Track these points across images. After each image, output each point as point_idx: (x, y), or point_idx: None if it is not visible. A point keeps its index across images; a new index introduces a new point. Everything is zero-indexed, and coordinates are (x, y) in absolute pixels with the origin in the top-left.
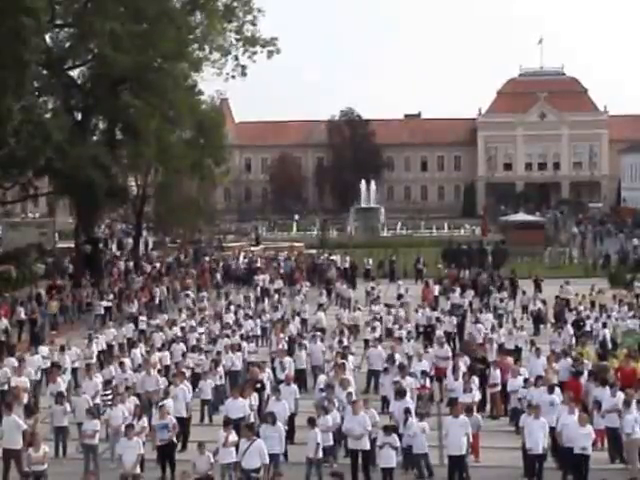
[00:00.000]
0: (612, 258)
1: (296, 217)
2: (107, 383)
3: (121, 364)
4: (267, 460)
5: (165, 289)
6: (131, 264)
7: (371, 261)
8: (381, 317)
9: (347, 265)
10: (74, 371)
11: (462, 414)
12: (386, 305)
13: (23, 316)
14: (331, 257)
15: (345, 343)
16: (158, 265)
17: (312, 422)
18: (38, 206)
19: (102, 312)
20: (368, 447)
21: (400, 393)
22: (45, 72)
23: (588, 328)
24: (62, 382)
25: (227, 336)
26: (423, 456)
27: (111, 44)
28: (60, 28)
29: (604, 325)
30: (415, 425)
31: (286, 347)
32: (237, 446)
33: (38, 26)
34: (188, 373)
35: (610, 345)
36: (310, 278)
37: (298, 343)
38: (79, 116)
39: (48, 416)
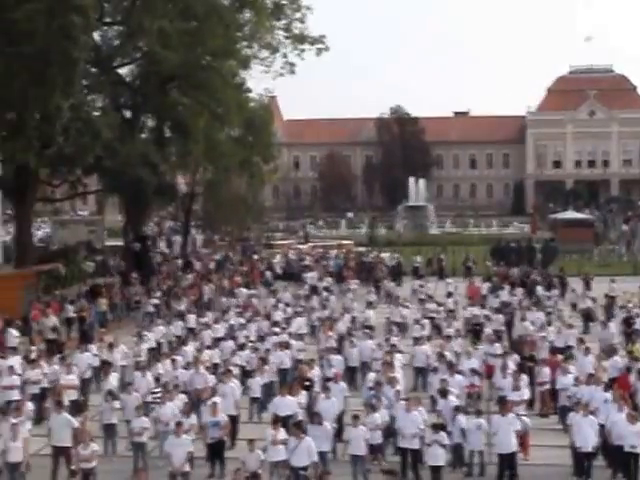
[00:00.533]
0: None
1: (349, 215)
2: (156, 381)
3: (173, 361)
4: (316, 458)
5: (214, 287)
6: (180, 262)
7: (420, 259)
8: (430, 315)
9: (394, 263)
10: (122, 369)
11: (511, 412)
12: (435, 303)
13: (72, 314)
14: (380, 255)
15: (393, 341)
16: (207, 263)
17: (357, 419)
18: (87, 204)
19: (151, 310)
20: (418, 445)
21: (443, 392)
22: (94, 70)
23: (638, 326)
24: (114, 380)
25: (276, 334)
26: (479, 453)
27: (160, 42)
28: (109, 26)
29: None
30: (472, 422)
31: (335, 345)
32: (286, 444)
33: (87, 24)
34: (237, 371)
35: None
36: (359, 276)
37: (349, 341)
38: (128, 114)
39: (97, 414)
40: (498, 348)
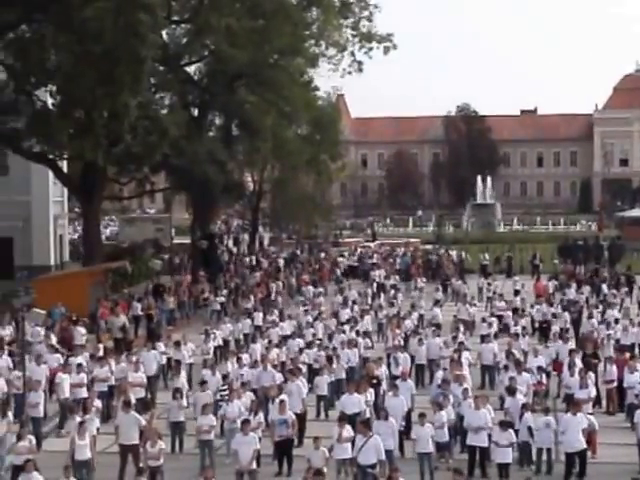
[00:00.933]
0: None
1: (419, 213)
2: (223, 378)
3: (238, 359)
4: (383, 456)
5: (281, 285)
6: (247, 260)
7: (487, 256)
8: (498, 313)
9: (458, 261)
10: (190, 367)
11: (580, 411)
12: (503, 301)
13: (140, 312)
14: (448, 252)
15: (461, 339)
16: (274, 261)
17: (423, 417)
18: (155, 202)
19: (218, 308)
20: (487, 443)
21: (511, 390)
22: (162, 68)
23: None
24: (183, 378)
25: (343, 332)
26: (547, 451)
27: (227, 40)
28: (176, 24)
29: None
30: (540, 420)
31: (402, 343)
32: (352, 442)
33: (155, 22)
34: (304, 369)
35: None
36: (426, 274)
37: (418, 339)
38: (195, 112)
39: (165, 412)
40: (565, 346)
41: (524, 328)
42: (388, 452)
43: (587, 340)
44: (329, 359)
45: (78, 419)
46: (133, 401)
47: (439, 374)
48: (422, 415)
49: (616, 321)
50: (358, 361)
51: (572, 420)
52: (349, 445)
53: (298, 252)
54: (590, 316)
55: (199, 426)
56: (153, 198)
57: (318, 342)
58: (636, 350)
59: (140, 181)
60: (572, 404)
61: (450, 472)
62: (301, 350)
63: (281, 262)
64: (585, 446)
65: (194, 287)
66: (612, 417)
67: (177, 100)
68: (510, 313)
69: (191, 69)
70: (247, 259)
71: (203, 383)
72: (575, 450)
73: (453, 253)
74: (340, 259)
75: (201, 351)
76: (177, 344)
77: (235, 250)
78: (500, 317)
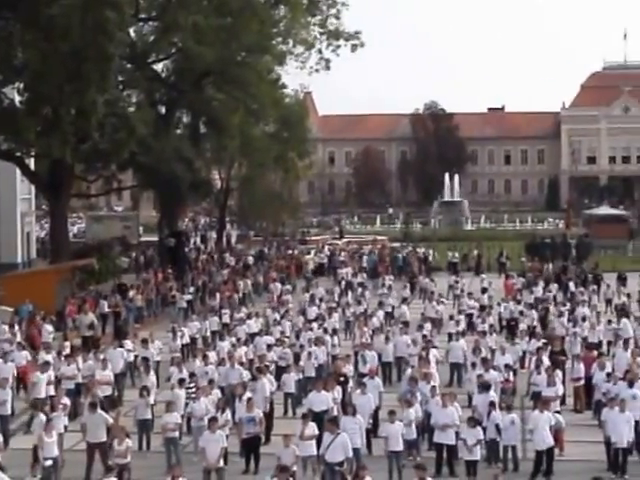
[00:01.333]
0: None
1: (390, 211)
2: (191, 376)
3: (204, 357)
4: (351, 453)
5: (249, 282)
6: (214, 257)
7: (457, 254)
8: (467, 312)
9: (423, 258)
10: (157, 364)
11: (548, 409)
12: (471, 299)
13: (107, 309)
14: (416, 250)
15: (428, 336)
16: (242, 258)
17: (393, 415)
18: (122, 199)
19: (185, 305)
20: (454, 441)
21: (484, 386)
22: (129, 66)
23: None
24: (152, 376)
25: (311, 329)
26: (512, 448)
27: (195, 38)
28: (144, 22)
29: None
30: (506, 417)
31: (369, 340)
32: (319, 439)
33: (122, 20)
34: (272, 367)
35: None
36: (393, 271)
37: (385, 337)
38: (163, 110)
39: (132, 409)
40: (532, 344)
41: (491, 326)
42: (356, 450)
43: (555, 338)
44: (297, 357)
45: (44, 417)
46: (100, 398)
47: (408, 372)
48: (392, 413)
49: (583, 319)
50: (326, 359)
51: (540, 418)
52: (313, 442)
53: (266, 250)
54: (560, 314)
55: (164, 424)
56: (120, 196)
57: (286, 339)
58: (604, 348)
59: (107, 179)
60: (539, 402)
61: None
62: (269, 347)
63: (250, 260)
64: (552, 444)
65: (162, 285)
66: (579, 415)
67: (144, 98)
68: (477, 311)
69: (159, 67)
70: (214, 257)
71: (182, 381)
72: (543, 447)
73: (420, 251)
74: (307, 257)
75: (169, 349)
76: (144, 342)
77: (202, 248)
78: (470, 315)
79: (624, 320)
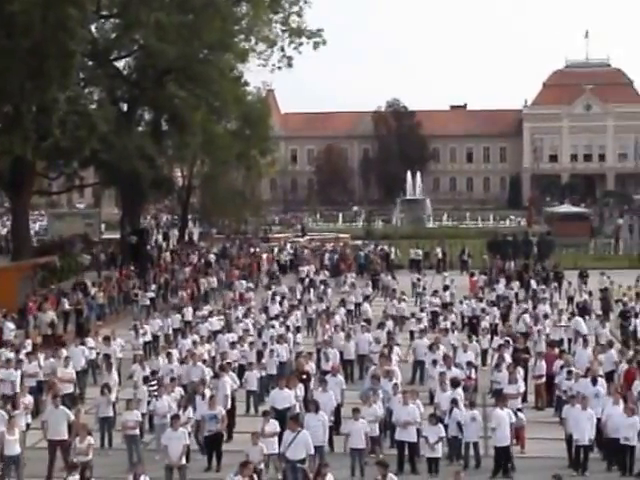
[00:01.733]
0: None
1: (354, 208)
2: (153, 374)
3: (168, 355)
4: (312, 451)
5: (211, 280)
6: (177, 255)
7: (420, 252)
8: (431, 309)
9: (383, 255)
10: (119, 362)
11: (508, 406)
12: (432, 296)
13: (67, 307)
14: (378, 248)
15: (391, 334)
16: (204, 256)
17: (357, 412)
18: (84, 197)
19: (147, 303)
20: (415, 438)
21: (454, 383)
22: (91, 63)
23: (633, 321)
24: (115, 374)
25: (273, 327)
26: (474, 445)
27: (156, 35)
28: (106, 19)
29: (636, 315)
30: (467, 414)
31: (331, 338)
32: (280, 436)
33: (84, 17)
34: (234, 364)
35: None
36: (355, 269)
37: (347, 334)
38: (125, 107)
39: (94, 407)
40: (495, 341)
41: (453, 323)
42: (319, 447)
43: (518, 336)
44: (259, 354)
45: (6, 414)
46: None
47: (372, 370)
48: (356, 410)
49: (545, 316)
50: (288, 356)
51: (500, 414)
52: (275, 440)
53: (228, 247)
54: (525, 311)
55: (124, 422)
56: (82, 193)
57: (249, 337)
58: (565, 345)
59: (69, 176)
60: (499, 399)
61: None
62: (232, 345)
63: (212, 257)
64: (509, 442)
65: (124, 282)
66: (541, 412)
67: (106, 95)
68: (439, 308)
69: (120, 64)
70: (177, 254)
71: (146, 379)
72: (503, 444)
73: (382, 248)
74: (264, 255)
75: (131, 346)
76: (106, 339)
77: (165, 245)
78: (434, 313)
79: (577, 318)
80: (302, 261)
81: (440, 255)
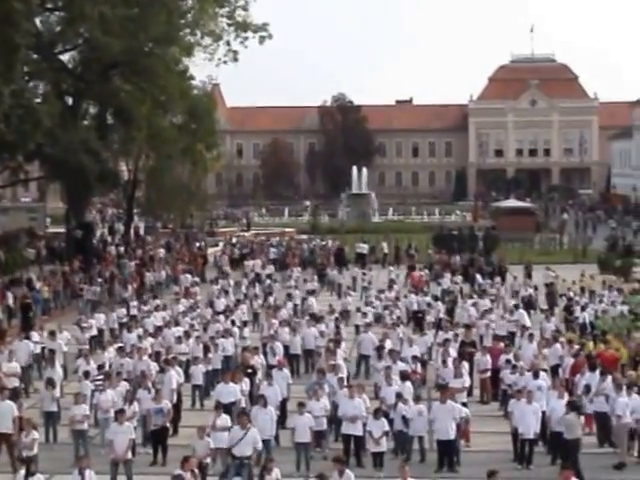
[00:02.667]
0: (601, 244)
1: (307, 203)
2: (100, 368)
3: (119, 349)
4: (260, 446)
5: (156, 274)
6: (122, 249)
7: (366, 246)
8: (373, 303)
9: (335, 250)
10: (64, 356)
11: (451, 399)
12: (378, 291)
13: (12, 302)
14: (322, 243)
15: (338, 328)
16: (149, 250)
17: (302, 407)
18: (29, 191)
19: (92, 297)
20: (361, 432)
21: (403, 377)
22: (35, 56)
23: (578, 314)
24: (59, 368)
25: (218, 321)
26: (419, 439)
27: (101, 28)
28: (50, 12)
29: (582, 309)
30: (413, 409)
31: (277, 332)
32: (227, 430)
33: (28, 10)
34: (180, 358)
35: (589, 328)
36: (301, 263)
37: (293, 328)
38: (70, 101)
39: (38, 401)
40: (440, 336)
41: (399, 318)
42: (266, 441)
43: (467, 329)
44: (206, 349)
45: None
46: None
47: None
48: (301, 404)
49: (489, 310)
50: (234, 350)
51: (442, 408)
52: (225, 434)
53: (173, 242)
54: (473, 304)
55: (72, 416)
56: (27, 187)
57: (191, 332)
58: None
59: (14, 170)
60: (441, 392)
61: (325, 461)
62: (177, 339)
63: (161, 252)
64: (453, 436)
65: (69, 276)
66: (486, 406)
67: (51, 89)
68: (384, 303)
69: (65, 57)
70: (121, 248)
71: (87, 374)
72: (445, 438)
73: (330, 243)
74: (211, 250)
75: (76, 340)
76: (52, 333)
77: (110, 239)
78: (386, 307)
79: (520, 310)
80: (247, 256)
81: (386, 250)
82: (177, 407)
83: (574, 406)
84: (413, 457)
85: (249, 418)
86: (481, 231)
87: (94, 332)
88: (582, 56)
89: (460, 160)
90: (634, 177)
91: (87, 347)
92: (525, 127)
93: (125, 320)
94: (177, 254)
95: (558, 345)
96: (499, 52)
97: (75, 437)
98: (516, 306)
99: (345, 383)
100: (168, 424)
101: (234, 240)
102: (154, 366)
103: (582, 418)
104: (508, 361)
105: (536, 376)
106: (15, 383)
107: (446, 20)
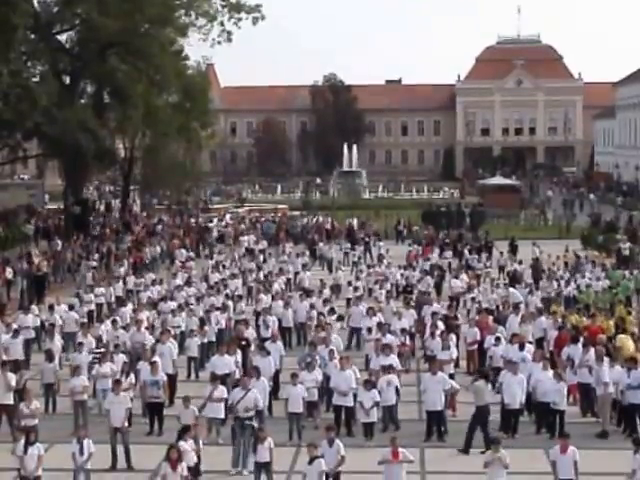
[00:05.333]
0: (584, 221)
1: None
2: (98, 341)
3: (113, 322)
4: (261, 406)
5: (153, 249)
6: (119, 225)
7: (355, 222)
8: (377, 278)
9: (329, 226)
10: (62, 330)
11: (440, 371)
12: (368, 266)
13: (10, 276)
14: (314, 219)
15: (328, 302)
16: (146, 226)
17: (295, 377)
18: (27, 168)
19: (90, 272)
20: (352, 403)
21: (383, 349)
22: (33, 36)
23: (563, 288)
24: (58, 341)
25: (212, 295)
26: (388, 408)
27: (98, 9)
28: None
29: (567, 283)
30: (382, 379)
31: (271, 306)
32: (226, 402)
33: None
34: (176, 331)
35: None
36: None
37: (285, 302)
38: (67, 80)
39: (38, 373)
40: (426, 309)
41: (388, 292)
42: (259, 411)
43: (450, 302)
44: (201, 322)
45: None
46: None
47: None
48: (294, 375)
49: (477, 284)
50: (227, 324)
51: (432, 379)
52: (221, 405)
53: (166, 218)
54: (456, 277)
55: (72, 387)
56: (26, 164)
57: (186, 306)
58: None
59: (12, 147)
60: (430, 364)
61: (317, 431)
62: (173, 312)
63: (159, 227)
64: (442, 407)
65: (67, 251)
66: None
67: (49, 68)
68: (372, 277)
69: (63, 37)
70: (118, 224)
71: (80, 344)
72: (434, 409)
73: (321, 219)
74: (210, 224)
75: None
76: (51, 307)
77: (107, 215)
78: (376, 281)
79: (511, 289)
80: (241, 231)
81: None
82: (173, 378)
83: (482, 374)
84: (379, 426)
85: (250, 379)
86: (468, 208)
87: (91, 307)
88: (567, 37)
89: (448, 139)
90: (617, 155)
91: (85, 320)
92: (511, 106)
93: (122, 294)
94: (169, 228)
95: (542, 318)
96: (486, 33)
97: (75, 408)
98: (506, 285)
99: (335, 355)
100: (164, 396)
101: (223, 215)
102: (150, 338)
103: (565, 388)
104: (498, 338)
105: (522, 348)
106: (16, 356)
107: (434, 2)
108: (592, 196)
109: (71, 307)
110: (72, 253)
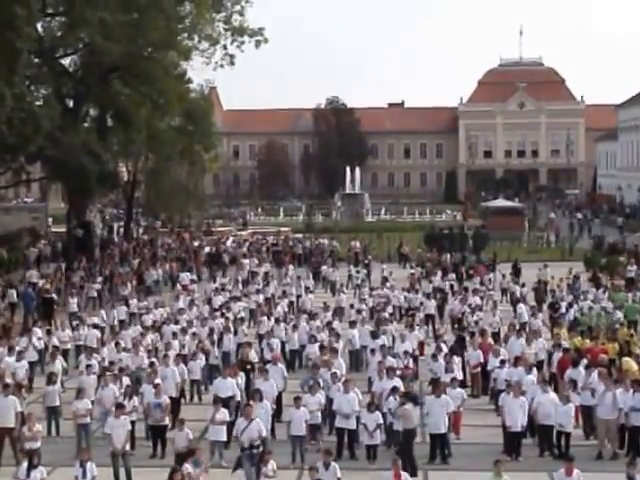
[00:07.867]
0: (587, 243)
1: (298, 204)
2: (100, 363)
3: (116, 345)
4: (265, 434)
5: (155, 272)
6: (124, 248)
7: (358, 245)
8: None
9: (331, 249)
10: (65, 352)
11: (444, 393)
12: (371, 288)
13: (15, 299)
14: (317, 241)
15: (331, 325)
16: (148, 249)
17: (298, 400)
18: (31, 191)
19: (94, 295)
20: (355, 426)
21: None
22: (37, 60)
23: (563, 310)
24: (60, 363)
25: (216, 318)
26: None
27: (101, 33)
28: (51, 17)
29: (570, 305)
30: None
31: (273, 329)
32: (228, 425)
33: (29, 15)
34: (174, 354)
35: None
36: (297, 261)
37: (293, 325)
38: (70, 104)
39: (41, 396)
40: (431, 332)
41: (392, 314)
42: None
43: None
44: (204, 345)
45: None
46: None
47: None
48: (297, 398)
49: (480, 308)
50: (231, 347)
51: (436, 402)
52: (223, 428)
53: (172, 241)
54: (464, 300)
55: (75, 410)
56: (29, 187)
57: (188, 328)
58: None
59: (16, 171)
60: (434, 386)
61: (319, 454)
62: (175, 335)
63: (159, 250)
64: (446, 429)
65: (70, 274)
66: (476, 400)
67: (52, 92)
68: (376, 300)
69: (66, 61)
70: (123, 246)
71: (88, 367)
72: (438, 432)
73: (324, 242)
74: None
75: (77, 337)
76: (48, 332)
77: (110, 238)
78: (379, 304)
79: (520, 305)
80: (245, 254)
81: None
82: (177, 401)
83: (410, 397)
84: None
85: (252, 408)
86: (471, 230)
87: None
88: (569, 59)
89: (450, 161)
90: (619, 177)
91: (92, 343)
92: (513, 129)
93: (125, 317)
94: (171, 251)
95: (542, 340)
96: (488, 56)
97: (78, 431)
98: (513, 305)
99: (338, 378)
100: (167, 420)
101: (226, 238)
102: (147, 362)
103: (573, 410)
104: (502, 362)
105: (530, 371)
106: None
107: (437, 25)
108: (597, 220)
109: (95, 326)
110: (75, 276)
